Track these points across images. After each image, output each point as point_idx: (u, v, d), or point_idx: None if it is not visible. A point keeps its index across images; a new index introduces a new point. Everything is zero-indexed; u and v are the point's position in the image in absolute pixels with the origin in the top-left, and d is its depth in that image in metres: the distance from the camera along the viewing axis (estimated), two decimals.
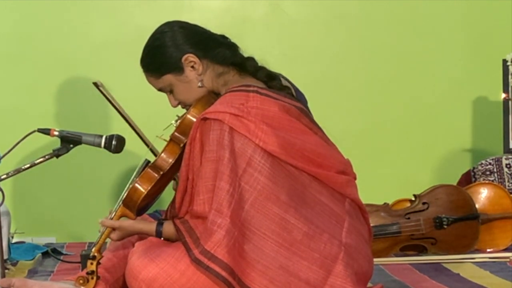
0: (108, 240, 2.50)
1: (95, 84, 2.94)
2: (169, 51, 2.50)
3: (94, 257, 2.43)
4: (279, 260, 2.31)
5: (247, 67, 2.53)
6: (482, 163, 3.84)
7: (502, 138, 4.00)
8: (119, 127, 3.18)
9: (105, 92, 2.94)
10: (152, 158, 2.54)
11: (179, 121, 2.48)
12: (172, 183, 2.67)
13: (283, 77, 2.64)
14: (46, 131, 2.59)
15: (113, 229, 2.45)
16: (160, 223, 2.44)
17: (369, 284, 2.56)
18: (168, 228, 2.41)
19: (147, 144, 2.94)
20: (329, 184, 2.43)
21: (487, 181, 3.75)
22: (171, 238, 2.41)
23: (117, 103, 2.95)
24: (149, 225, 2.45)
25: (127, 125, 3.07)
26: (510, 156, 3.83)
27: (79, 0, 4.22)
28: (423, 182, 4.10)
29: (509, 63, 3.94)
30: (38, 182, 4.18)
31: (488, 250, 3.57)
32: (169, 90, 2.55)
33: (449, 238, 3.51)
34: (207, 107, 2.40)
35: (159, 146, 2.59)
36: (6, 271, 2.85)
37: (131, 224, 2.46)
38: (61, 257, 3.61)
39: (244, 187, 2.32)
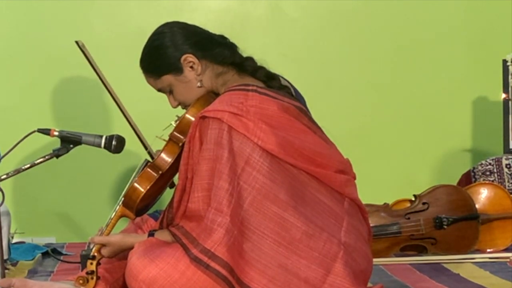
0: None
1: (77, 43, 2.93)
2: (168, 51, 2.51)
3: (94, 257, 2.43)
4: (278, 259, 2.31)
5: (246, 67, 2.54)
6: (482, 163, 3.84)
7: (502, 138, 4.00)
8: (119, 127, 3.18)
9: (87, 53, 2.92)
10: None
11: (178, 121, 2.48)
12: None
13: (283, 78, 2.64)
14: (46, 131, 2.59)
15: (103, 245, 2.45)
16: (151, 234, 2.44)
17: (369, 284, 2.56)
18: (161, 236, 2.41)
19: (145, 146, 2.93)
20: (328, 183, 2.44)
21: (487, 181, 3.75)
22: None
23: (98, 68, 2.94)
24: (139, 238, 2.45)
25: (127, 125, 3.07)
26: (510, 156, 3.83)
27: (79, 0, 4.22)
28: (423, 182, 4.10)
29: (509, 63, 3.94)
30: (38, 182, 4.18)
31: (488, 250, 3.57)
32: (168, 91, 2.56)
33: (449, 238, 3.51)
34: (206, 107, 2.40)
35: (159, 146, 2.59)
36: (6, 271, 2.85)
37: (121, 239, 2.46)
38: (61, 257, 3.61)
39: (243, 186, 2.32)
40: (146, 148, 2.92)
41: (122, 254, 2.51)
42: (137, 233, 2.61)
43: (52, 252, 3.66)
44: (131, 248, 2.39)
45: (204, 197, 2.33)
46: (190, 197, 2.37)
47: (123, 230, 2.69)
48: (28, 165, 2.59)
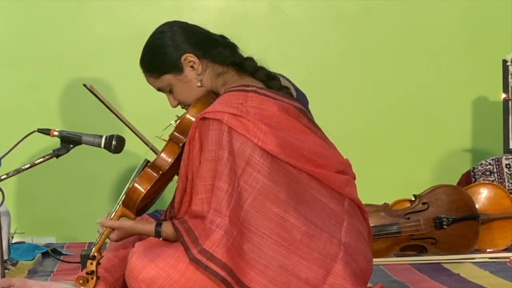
0: (108, 240, 2.50)
1: (85, 86, 2.95)
2: (168, 51, 2.51)
3: (94, 257, 2.43)
4: (279, 260, 2.31)
5: (246, 67, 2.54)
6: (482, 163, 3.84)
7: (502, 138, 4.00)
8: (119, 127, 3.18)
9: (97, 94, 2.94)
10: (152, 158, 2.54)
11: (178, 121, 2.48)
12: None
13: (285, 77, 2.64)
14: (46, 131, 2.59)
15: (113, 229, 2.45)
16: (159, 224, 2.44)
17: (369, 284, 2.56)
18: (167, 228, 2.41)
19: (147, 144, 2.94)
20: (328, 183, 2.44)
21: (487, 181, 3.75)
22: (170, 239, 2.41)
23: (110, 103, 2.96)
24: (148, 226, 2.45)
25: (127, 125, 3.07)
26: (510, 156, 3.83)
27: (79, 0, 4.22)
28: (423, 182, 4.10)
29: (509, 63, 3.94)
30: (38, 182, 4.18)
31: (488, 250, 3.57)
32: (168, 90, 2.56)
33: (449, 238, 3.51)
34: (206, 107, 2.41)
35: (159, 146, 2.59)
36: (6, 271, 2.85)
37: (131, 225, 2.46)
38: (61, 257, 3.61)
39: (243, 187, 2.32)
40: (147, 145, 2.92)
41: (122, 254, 2.51)
42: None
43: (52, 252, 3.66)
44: (139, 234, 2.44)
45: (207, 199, 2.33)
46: (193, 199, 2.37)
47: None
48: (28, 165, 2.59)
